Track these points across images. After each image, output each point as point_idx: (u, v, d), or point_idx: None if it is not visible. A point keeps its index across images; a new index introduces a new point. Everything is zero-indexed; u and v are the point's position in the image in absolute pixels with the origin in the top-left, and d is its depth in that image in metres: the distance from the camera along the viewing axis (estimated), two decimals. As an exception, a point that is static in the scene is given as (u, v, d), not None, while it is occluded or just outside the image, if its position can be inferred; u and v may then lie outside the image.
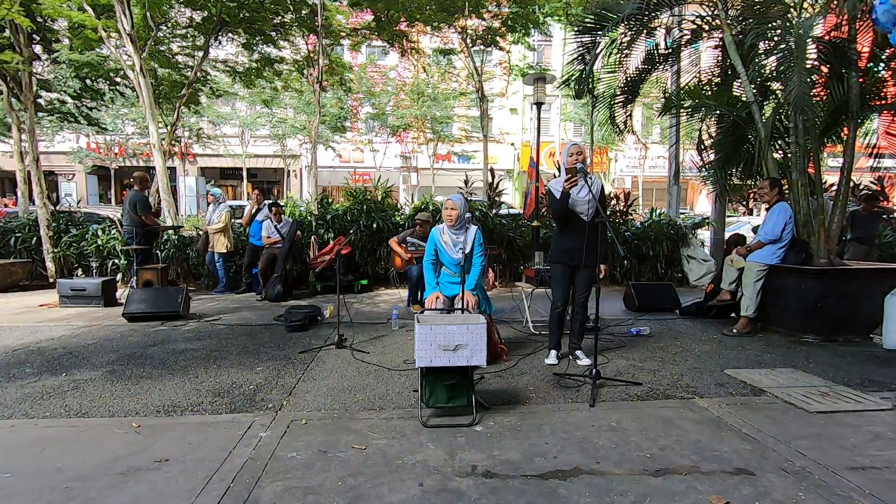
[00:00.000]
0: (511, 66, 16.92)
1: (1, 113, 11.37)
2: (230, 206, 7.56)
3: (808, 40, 4.42)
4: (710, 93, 6.08)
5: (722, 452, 2.42)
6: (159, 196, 8.51)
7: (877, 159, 5.65)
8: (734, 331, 4.85)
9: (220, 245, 7.28)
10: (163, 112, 11.13)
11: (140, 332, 4.92)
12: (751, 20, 5.22)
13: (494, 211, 8.43)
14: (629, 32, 5.81)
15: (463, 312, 3.38)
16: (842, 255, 6.01)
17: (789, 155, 5.27)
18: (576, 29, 5.99)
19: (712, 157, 6.40)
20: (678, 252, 8.18)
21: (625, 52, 6.03)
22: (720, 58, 6.01)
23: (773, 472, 2.24)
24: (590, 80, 6.02)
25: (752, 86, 5.35)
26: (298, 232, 7.22)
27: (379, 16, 10.51)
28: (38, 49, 9.26)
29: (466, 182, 8.62)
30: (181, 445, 2.50)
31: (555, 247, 3.87)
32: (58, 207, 8.42)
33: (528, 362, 3.93)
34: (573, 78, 6.09)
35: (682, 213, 10.30)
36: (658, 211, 9.02)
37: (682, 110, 6.51)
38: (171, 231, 7.76)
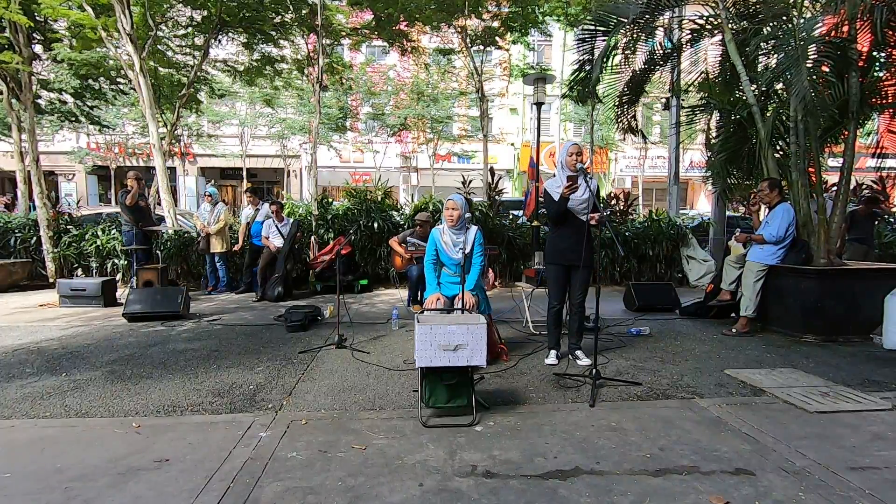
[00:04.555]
0: (511, 66, 16.92)
1: (1, 113, 11.37)
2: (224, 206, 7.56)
3: (811, 43, 4.42)
4: (712, 92, 6.08)
5: (722, 452, 2.41)
6: (159, 196, 8.51)
7: (880, 159, 5.65)
8: (733, 330, 4.85)
9: (218, 245, 7.28)
10: (162, 112, 11.12)
11: (140, 332, 4.92)
12: (755, 18, 5.22)
13: (494, 211, 8.40)
14: (631, 35, 5.81)
15: (463, 313, 3.38)
16: (841, 255, 6.03)
17: (789, 155, 5.27)
18: (577, 32, 6.01)
19: (716, 156, 6.41)
20: (678, 252, 8.18)
21: (627, 54, 6.04)
22: (722, 57, 6.02)
23: (773, 472, 2.24)
24: (594, 84, 6.04)
25: (753, 86, 5.35)
26: (298, 233, 7.21)
27: (379, 15, 10.51)
28: (37, 49, 9.26)
29: (465, 182, 8.61)
30: (181, 445, 2.49)
31: (550, 247, 3.87)
32: (58, 208, 8.43)
33: (528, 362, 3.93)
34: (576, 84, 6.12)
35: (683, 213, 10.28)
36: (661, 211, 9.00)
37: (683, 109, 6.52)
38: (170, 230, 7.78)
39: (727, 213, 9.48)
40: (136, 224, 6.67)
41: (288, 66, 11.75)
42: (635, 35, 5.84)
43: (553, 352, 3.94)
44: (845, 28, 4.97)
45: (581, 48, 5.81)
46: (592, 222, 3.60)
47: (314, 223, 7.88)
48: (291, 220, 7.28)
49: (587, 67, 5.89)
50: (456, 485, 2.13)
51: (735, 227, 9.88)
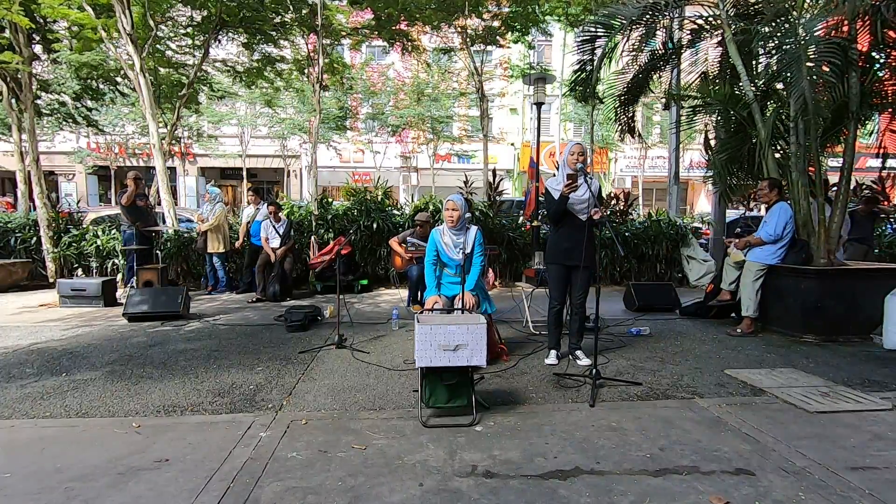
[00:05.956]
0: (511, 65, 16.93)
1: (1, 113, 11.37)
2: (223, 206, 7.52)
3: (812, 42, 4.42)
4: (712, 92, 6.08)
5: (722, 452, 2.42)
6: (159, 196, 8.51)
7: (880, 159, 5.65)
8: (738, 331, 4.84)
9: (215, 245, 7.26)
10: (163, 112, 11.12)
11: (140, 332, 4.92)
12: (755, 18, 5.22)
13: (494, 211, 8.39)
14: (638, 35, 5.81)
15: (463, 313, 3.38)
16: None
17: (790, 155, 5.27)
18: (578, 32, 6.02)
19: (716, 156, 6.40)
20: (678, 252, 8.18)
21: (630, 56, 6.04)
22: (722, 57, 6.02)
23: (773, 472, 2.24)
24: (594, 84, 6.05)
25: (754, 86, 5.34)
26: (293, 232, 7.17)
27: (379, 15, 10.51)
28: (38, 49, 9.26)
29: (466, 182, 8.61)
30: (181, 445, 2.50)
31: (551, 247, 3.87)
32: (58, 208, 8.42)
33: (528, 362, 3.93)
34: (577, 84, 6.13)
35: (688, 211, 10.24)
36: (662, 211, 9.00)
37: (683, 110, 6.52)
38: (170, 230, 7.77)
39: (745, 213, 9.45)
40: (133, 224, 6.67)
41: (288, 66, 11.75)
42: (640, 36, 5.83)
43: (553, 352, 3.94)
44: (845, 28, 4.97)
45: (582, 48, 5.81)
46: (595, 217, 3.59)
47: (314, 223, 7.87)
48: (287, 220, 7.26)
49: (588, 68, 5.89)
50: (456, 485, 2.13)
51: (737, 227, 9.87)
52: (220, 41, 10.21)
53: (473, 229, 3.87)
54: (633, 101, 6.55)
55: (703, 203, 23.88)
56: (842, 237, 6.13)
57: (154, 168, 8.49)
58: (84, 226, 8.32)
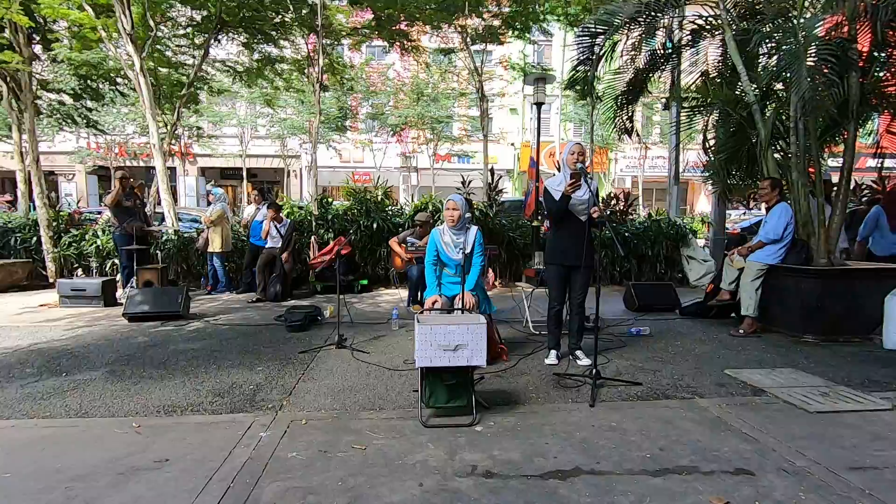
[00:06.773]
0: (511, 64, 16.93)
1: (2, 113, 11.35)
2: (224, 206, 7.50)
3: (812, 42, 4.41)
4: (711, 93, 6.08)
5: (722, 452, 2.41)
6: (159, 196, 8.51)
7: (879, 159, 5.65)
8: (741, 332, 4.83)
9: (215, 244, 7.26)
10: (163, 112, 11.12)
11: (140, 333, 4.92)
12: (755, 18, 5.22)
13: (494, 211, 8.38)
14: (631, 35, 5.81)
15: (463, 313, 3.38)
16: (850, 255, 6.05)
17: (790, 155, 5.27)
18: (577, 31, 6.01)
19: (715, 156, 6.40)
20: (678, 252, 8.18)
21: (629, 53, 6.04)
22: (721, 57, 6.01)
23: (773, 472, 2.24)
24: (592, 83, 6.05)
25: (754, 86, 5.35)
26: (294, 233, 7.17)
27: (379, 15, 10.50)
28: (37, 49, 9.25)
29: (464, 182, 8.60)
30: (181, 445, 2.49)
31: (550, 247, 3.87)
32: (58, 208, 8.42)
33: (528, 362, 3.93)
34: (577, 81, 6.13)
35: (688, 211, 10.25)
36: (662, 211, 8.99)
37: (683, 110, 6.52)
38: (170, 230, 7.78)
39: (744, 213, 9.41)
40: (120, 224, 6.66)
41: (288, 66, 11.74)
42: (640, 36, 5.83)
43: (553, 352, 3.94)
44: (845, 28, 4.96)
45: (581, 46, 5.80)
46: (595, 215, 3.59)
47: (314, 223, 7.88)
48: (289, 220, 7.26)
49: (586, 67, 5.89)
50: (456, 485, 2.13)
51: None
52: (220, 41, 10.20)
53: (473, 229, 3.87)
54: (633, 102, 6.54)
55: (703, 203, 23.87)
56: (851, 249, 6.12)
57: (154, 168, 8.48)
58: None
